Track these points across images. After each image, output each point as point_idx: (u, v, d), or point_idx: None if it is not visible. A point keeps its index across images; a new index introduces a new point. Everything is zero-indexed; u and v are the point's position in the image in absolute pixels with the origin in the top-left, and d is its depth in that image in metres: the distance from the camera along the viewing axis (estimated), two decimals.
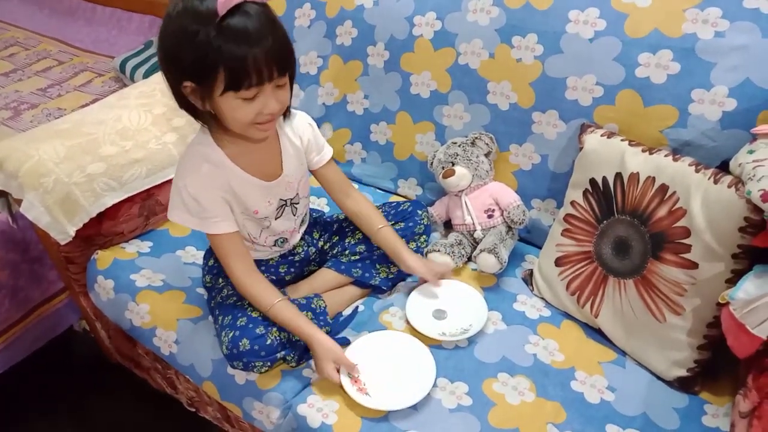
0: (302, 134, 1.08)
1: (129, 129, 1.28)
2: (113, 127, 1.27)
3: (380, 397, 0.94)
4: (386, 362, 1.00)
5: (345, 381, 0.95)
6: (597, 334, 1.09)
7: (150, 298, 1.18)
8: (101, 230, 1.27)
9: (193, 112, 0.94)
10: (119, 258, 1.27)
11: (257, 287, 1.00)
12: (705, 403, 0.96)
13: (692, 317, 0.93)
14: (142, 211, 1.31)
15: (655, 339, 0.98)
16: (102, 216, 1.24)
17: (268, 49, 0.83)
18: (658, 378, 1.00)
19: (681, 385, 0.97)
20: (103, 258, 1.27)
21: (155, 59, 1.90)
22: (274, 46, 0.84)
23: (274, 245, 1.13)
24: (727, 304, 0.83)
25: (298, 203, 1.11)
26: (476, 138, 1.26)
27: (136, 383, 1.45)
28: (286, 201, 1.08)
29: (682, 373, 0.96)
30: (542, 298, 1.16)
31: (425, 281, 1.14)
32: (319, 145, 1.12)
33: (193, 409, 1.32)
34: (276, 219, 1.08)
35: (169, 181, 1.31)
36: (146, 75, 1.85)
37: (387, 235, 1.14)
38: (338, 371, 0.97)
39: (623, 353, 1.04)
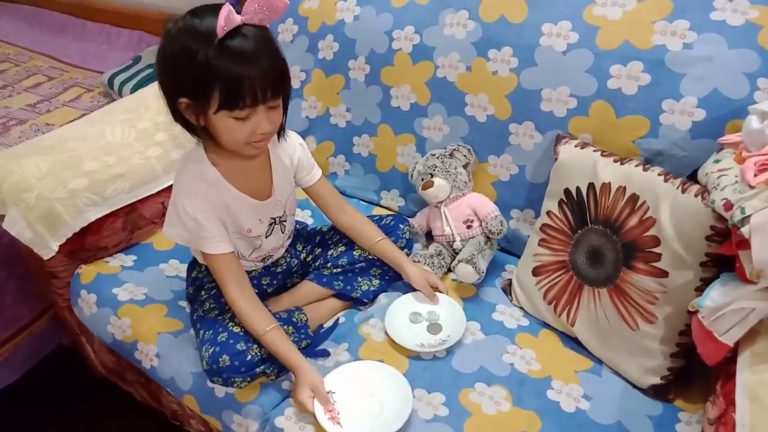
0: (292, 154, 1.10)
1: (112, 144, 1.29)
2: (96, 143, 1.28)
3: (351, 428, 0.92)
4: (363, 393, 0.98)
5: (318, 409, 0.94)
6: (574, 342, 1.09)
7: (131, 312, 1.18)
8: (85, 245, 1.28)
9: (188, 127, 0.95)
10: (102, 272, 1.28)
11: (252, 312, 1.00)
12: (679, 410, 0.97)
13: (664, 325, 0.94)
14: (125, 225, 1.32)
15: (629, 347, 0.99)
16: (85, 231, 1.25)
17: (264, 72, 0.85)
18: (633, 386, 1.00)
19: (655, 392, 0.98)
20: (87, 272, 1.28)
21: (143, 74, 1.92)
22: (269, 68, 0.86)
23: (261, 261, 1.15)
24: (697, 312, 0.84)
25: (285, 221, 1.13)
26: (454, 150, 1.27)
27: (122, 397, 1.45)
28: (275, 219, 1.10)
29: (656, 380, 0.97)
30: (521, 308, 1.17)
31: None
32: (309, 165, 1.14)
33: (177, 423, 1.32)
34: (267, 237, 1.10)
35: (153, 196, 1.34)
36: (134, 90, 1.86)
37: (385, 247, 1.17)
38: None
39: (600, 362, 1.05)
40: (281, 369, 1.03)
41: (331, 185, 1.19)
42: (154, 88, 1.49)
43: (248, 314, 0.99)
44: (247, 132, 0.90)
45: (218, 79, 0.84)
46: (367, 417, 0.95)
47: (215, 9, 0.84)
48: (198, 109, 0.89)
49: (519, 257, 1.23)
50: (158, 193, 1.35)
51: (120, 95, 1.90)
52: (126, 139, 1.32)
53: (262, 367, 0.99)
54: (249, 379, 0.98)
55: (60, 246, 1.21)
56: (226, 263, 1.01)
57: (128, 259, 1.33)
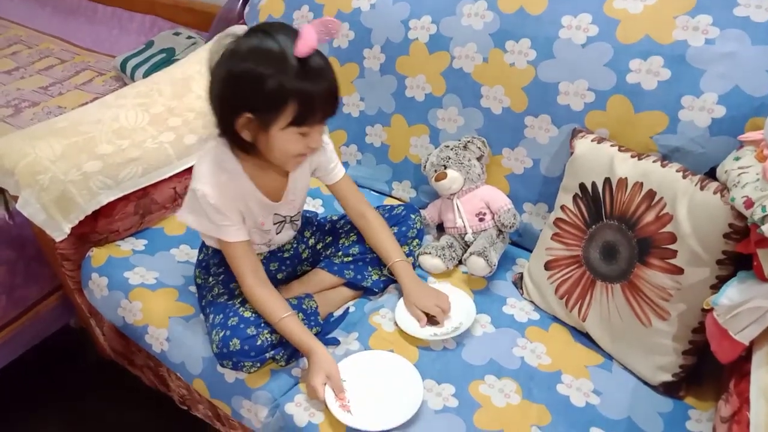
0: (312, 156, 1.09)
1: (126, 128, 1.29)
2: (110, 126, 1.28)
3: (361, 417, 0.92)
4: (374, 382, 0.99)
5: (329, 396, 0.94)
6: (585, 338, 1.09)
7: (143, 296, 1.19)
8: (96, 228, 1.28)
9: (231, 136, 0.96)
10: (114, 255, 1.28)
11: (268, 299, 1.01)
12: (689, 408, 0.96)
13: (678, 322, 0.94)
14: (137, 210, 1.32)
15: (641, 344, 0.99)
16: (97, 214, 1.25)
17: (334, 88, 0.92)
18: (644, 382, 1.00)
19: (666, 389, 0.98)
20: (98, 255, 1.28)
21: (156, 59, 1.92)
22: (336, 86, 0.92)
23: (266, 245, 1.15)
24: (711, 309, 0.84)
25: (298, 221, 1.15)
26: (469, 142, 1.26)
27: (130, 380, 1.46)
28: (285, 218, 1.12)
29: (667, 377, 0.97)
30: (531, 302, 1.17)
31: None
32: (331, 166, 1.15)
33: (185, 407, 1.32)
34: (277, 234, 1.12)
35: (165, 181, 1.34)
36: (146, 74, 1.86)
37: (399, 271, 1.14)
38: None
39: (610, 357, 1.05)
40: (291, 355, 1.04)
41: (354, 186, 1.19)
42: (168, 73, 1.49)
43: (264, 301, 1.00)
44: (303, 146, 0.94)
45: (294, 97, 0.87)
46: (377, 406, 0.95)
47: (286, 28, 0.89)
48: (261, 124, 0.91)
49: (530, 251, 1.23)
50: (170, 178, 1.35)
51: (132, 79, 1.90)
52: (140, 123, 1.31)
53: (272, 352, 0.99)
54: (258, 364, 0.99)
55: (72, 228, 1.21)
56: (243, 251, 1.02)
57: (139, 244, 1.33)
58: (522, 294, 1.18)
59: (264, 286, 1.02)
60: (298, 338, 0.99)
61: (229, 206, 0.99)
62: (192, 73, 1.46)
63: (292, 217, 1.12)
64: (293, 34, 0.87)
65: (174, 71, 1.50)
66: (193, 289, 1.21)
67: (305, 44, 0.85)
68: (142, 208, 1.33)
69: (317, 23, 0.88)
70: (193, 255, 1.30)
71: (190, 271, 1.25)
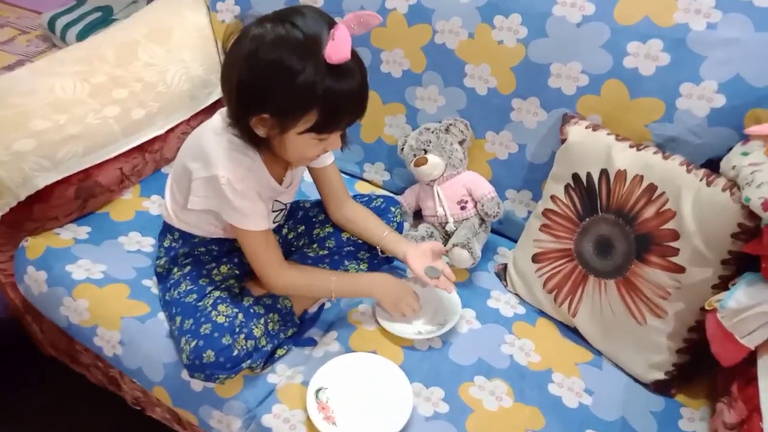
0: None
1: (63, 100, 1.13)
2: (45, 98, 1.11)
3: (347, 429, 0.86)
4: (359, 388, 0.92)
5: (312, 408, 0.87)
6: (572, 332, 1.06)
7: (89, 293, 1.05)
8: (31, 215, 1.12)
9: (242, 129, 0.86)
10: (52, 246, 1.13)
11: (309, 277, 1.00)
12: (681, 406, 0.95)
13: (674, 321, 0.91)
14: (78, 194, 1.17)
15: (634, 341, 0.96)
16: (32, 199, 1.09)
17: (363, 102, 0.84)
18: (635, 380, 0.98)
19: (657, 387, 0.96)
20: (34, 246, 1.13)
21: (90, 18, 1.72)
22: (366, 96, 0.84)
23: None
24: (714, 310, 0.81)
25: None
26: (450, 124, 1.18)
27: (72, 376, 1.31)
28: (285, 206, 1.05)
29: (660, 376, 0.95)
30: (516, 294, 1.12)
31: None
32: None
33: (139, 408, 1.21)
34: (274, 223, 1.04)
35: (110, 161, 1.19)
36: (80, 36, 1.66)
37: (391, 241, 1.07)
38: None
39: (599, 354, 1.02)
40: (267, 361, 0.95)
41: (340, 175, 1.10)
42: (110, 36, 1.32)
43: (306, 279, 0.99)
44: (320, 150, 0.89)
45: (319, 105, 0.79)
46: (364, 416, 0.88)
47: (317, 18, 0.78)
48: (279, 126, 0.82)
49: (511, 239, 1.18)
50: (116, 157, 1.20)
51: (63, 41, 1.69)
52: (79, 94, 1.15)
53: (248, 361, 0.90)
54: (233, 375, 0.89)
55: (2, 216, 1.06)
56: (270, 239, 0.95)
57: (82, 231, 1.18)
58: (506, 286, 1.14)
59: (294, 267, 1.01)
60: (356, 289, 1.03)
61: (254, 192, 0.90)
62: (138, 38, 1.29)
63: (288, 204, 1.06)
64: (327, 27, 0.77)
65: (116, 34, 1.32)
66: (147, 283, 1.09)
67: (337, 51, 0.74)
68: (85, 192, 1.18)
69: (351, 18, 0.77)
70: (145, 243, 1.17)
71: (141, 263, 1.12)
